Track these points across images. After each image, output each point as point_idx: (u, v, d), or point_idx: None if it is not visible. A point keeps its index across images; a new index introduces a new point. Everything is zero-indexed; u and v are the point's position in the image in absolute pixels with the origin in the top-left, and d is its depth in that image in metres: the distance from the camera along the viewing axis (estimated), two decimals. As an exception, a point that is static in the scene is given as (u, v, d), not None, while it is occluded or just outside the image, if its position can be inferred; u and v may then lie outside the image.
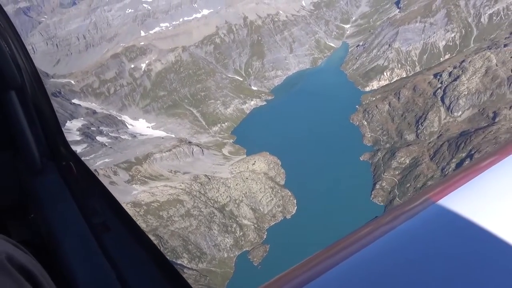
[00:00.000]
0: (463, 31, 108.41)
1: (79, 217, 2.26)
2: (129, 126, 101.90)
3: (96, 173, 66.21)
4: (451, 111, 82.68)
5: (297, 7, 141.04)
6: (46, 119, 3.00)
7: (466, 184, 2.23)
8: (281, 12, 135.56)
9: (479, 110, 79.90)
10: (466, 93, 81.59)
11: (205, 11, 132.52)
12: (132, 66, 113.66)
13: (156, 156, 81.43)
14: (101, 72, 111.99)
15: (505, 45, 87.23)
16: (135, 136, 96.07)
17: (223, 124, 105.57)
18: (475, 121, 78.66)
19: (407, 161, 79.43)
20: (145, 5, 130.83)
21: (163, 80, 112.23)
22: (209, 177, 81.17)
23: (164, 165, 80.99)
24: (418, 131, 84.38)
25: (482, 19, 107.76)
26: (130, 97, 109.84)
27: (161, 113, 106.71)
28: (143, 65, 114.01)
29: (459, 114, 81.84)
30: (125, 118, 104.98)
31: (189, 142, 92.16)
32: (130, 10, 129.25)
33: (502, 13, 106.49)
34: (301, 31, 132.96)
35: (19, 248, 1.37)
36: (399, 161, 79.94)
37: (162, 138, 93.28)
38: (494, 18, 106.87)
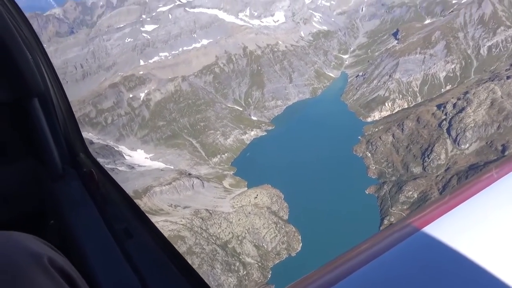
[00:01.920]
0: (463, 63, 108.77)
1: (101, 223, 2.33)
2: (126, 157, 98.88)
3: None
4: (458, 144, 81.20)
5: (296, 38, 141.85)
6: (68, 126, 3.08)
7: (452, 211, 2.19)
8: (280, 42, 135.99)
9: (486, 142, 78.52)
10: (472, 125, 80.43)
11: (205, 41, 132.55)
12: (131, 95, 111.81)
13: (156, 190, 78.33)
14: (98, 101, 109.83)
15: (508, 77, 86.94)
16: (133, 167, 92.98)
17: (223, 155, 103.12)
18: (483, 154, 77.10)
19: (415, 195, 77.06)
20: (144, 34, 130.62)
21: (162, 110, 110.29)
22: (210, 211, 77.94)
23: (164, 199, 77.79)
24: (424, 164, 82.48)
25: (481, 51, 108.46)
26: (128, 127, 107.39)
27: (160, 143, 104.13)
28: (142, 95, 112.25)
29: (466, 147, 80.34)
30: (123, 148, 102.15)
31: (189, 174, 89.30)
32: (129, 40, 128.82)
33: (501, 45, 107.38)
34: (300, 61, 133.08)
35: (56, 252, 1.43)
36: (407, 195, 77.53)
37: (161, 170, 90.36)
38: (493, 50, 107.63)
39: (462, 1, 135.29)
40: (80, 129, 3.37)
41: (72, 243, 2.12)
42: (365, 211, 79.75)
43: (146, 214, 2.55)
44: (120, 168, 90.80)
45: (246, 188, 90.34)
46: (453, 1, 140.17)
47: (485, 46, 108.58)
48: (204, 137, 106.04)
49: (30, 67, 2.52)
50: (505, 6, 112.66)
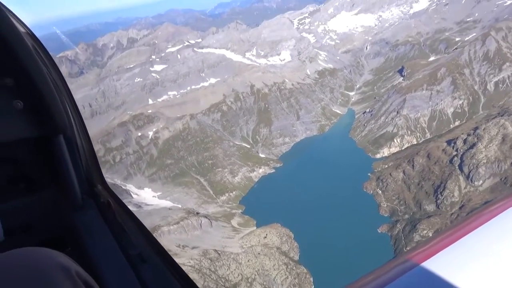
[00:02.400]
0: (471, 98, 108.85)
1: (117, 250, 2.50)
2: (134, 196, 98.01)
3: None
4: (471, 180, 79.58)
5: (302, 76, 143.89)
6: (88, 160, 3.37)
7: (451, 246, 2.22)
8: (286, 80, 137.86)
9: (501, 179, 76.89)
10: (485, 161, 79.12)
11: (212, 80, 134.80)
12: (139, 134, 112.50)
13: (163, 229, 76.74)
14: (107, 140, 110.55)
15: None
16: (140, 206, 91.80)
17: (231, 193, 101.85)
18: (498, 190, 75.25)
19: (430, 234, 74.58)
20: (154, 74, 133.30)
21: (170, 148, 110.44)
22: (219, 252, 75.75)
23: (172, 239, 76.00)
24: (438, 201, 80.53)
25: (488, 87, 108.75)
26: (136, 166, 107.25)
27: (167, 182, 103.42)
28: (150, 133, 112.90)
29: (480, 183, 78.66)
30: (130, 187, 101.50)
31: (197, 213, 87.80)
32: (139, 79, 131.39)
33: (507, 80, 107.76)
34: (307, 98, 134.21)
35: (80, 267, 1.64)
36: (421, 234, 75.10)
37: (169, 208, 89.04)
38: (500, 85, 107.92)
39: (466, 39, 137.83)
40: (99, 162, 3.61)
41: (90, 269, 2.20)
42: (379, 251, 76.95)
43: (159, 241, 2.71)
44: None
45: (255, 227, 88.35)
46: (456, 39, 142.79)
47: (492, 82, 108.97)
48: (212, 175, 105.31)
49: (58, 106, 2.72)
50: (509, 43, 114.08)
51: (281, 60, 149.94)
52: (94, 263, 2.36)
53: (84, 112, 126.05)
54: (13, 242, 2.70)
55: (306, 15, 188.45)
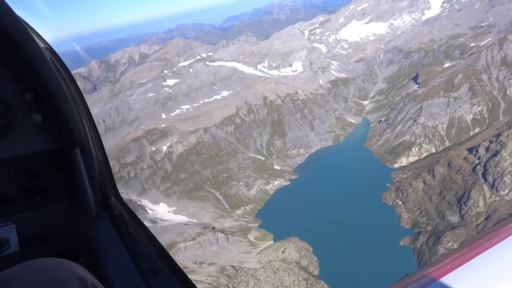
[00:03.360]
0: (490, 104, 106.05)
1: (129, 263, 2.53)
2: (149, 211, 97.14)
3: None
4: (497, 189, 76.68)
5: (315, 86, 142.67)
6: (102, 173, 3.41)
7: (469, 262, 2.16)
8: (299, 91, 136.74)
9: (527, 187, 73.98)
10: (510, 169, 76.29)
11: (225, 93, 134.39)
12: (153, 148, 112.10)
13: (180, 246, 75.42)
14: (122, 155, 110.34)
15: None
16: (155, 222, 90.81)
17: (246, 207, 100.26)
18: (525, 200, 72.36)
19: (455, 246, 71.68)
20: (166, 89, 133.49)
21: (185, 162, 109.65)
22: (237, 268, 74.03)
23: (189, 255, 74.58)
24: (462, 212, 77.67)
25: (508, 92, 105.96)
26: (151, 181, 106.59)
27: (182, 196, 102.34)
28: (164, 148, 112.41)
29: (505, 193, 75.71)
30: (145, 202, 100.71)
31: (213, 228, 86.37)
32: (151, 94, 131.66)
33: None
34: (321, 108, 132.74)
35: (96, 279, 1.71)
36: (446, 246, 72.34)
37: (185, 224, 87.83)
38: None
39: (481, 44, 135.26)
40: (114, 175, 3.60)
41: (103, 281, 2.26)
42: (402, 264, 74.22)
43: (171, 255, 2.73)
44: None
45: (272, 241, 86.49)
46: (471, 44, 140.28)
47: (511, 87, 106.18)
48: (227, 188, 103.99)
49: (75, 120, 2.76)
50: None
51: (293, 71, 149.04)
52: (107, 275, 2.38)
53: (99, 128, 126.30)
54: (27, 253, 2.82)
55: (317, 25, 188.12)
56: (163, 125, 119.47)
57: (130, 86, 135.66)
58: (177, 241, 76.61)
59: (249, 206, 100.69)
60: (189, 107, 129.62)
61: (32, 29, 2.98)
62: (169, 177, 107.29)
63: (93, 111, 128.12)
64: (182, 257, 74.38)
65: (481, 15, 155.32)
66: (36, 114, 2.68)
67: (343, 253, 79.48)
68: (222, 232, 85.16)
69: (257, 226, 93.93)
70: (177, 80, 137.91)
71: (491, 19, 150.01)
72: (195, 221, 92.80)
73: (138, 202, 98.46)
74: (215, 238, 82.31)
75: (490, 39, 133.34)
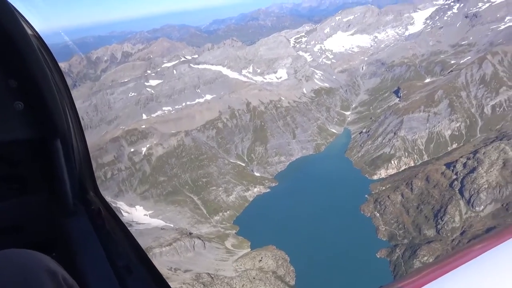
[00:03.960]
0: (468, 121, 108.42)
1: (104, 259, 2.51)
2: (124, 214, 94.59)
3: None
4: (472, 205, 77.99)
5: (298, 94, 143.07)
6: (82, 166, 3.34)
7: (442, 277, 2.19)
8: (283, 98, 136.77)
9: (502, 205, 75.43)
10: (486, 186, 77.75)
11: (208, 96, 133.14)
12: (132, 150, 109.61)
13: (155, 251, 73.53)
14: (99, 155, 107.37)
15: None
16: (131, 225, 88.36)
17: (225, 213, 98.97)
18: (500, 217, 73.72)
19: (431, 260, 72.41)
20: (148, 89, 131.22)
21: (164, 165, 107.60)
22: (212, 276, 72.63)
23: (164, 261, 72.75)
24: (438, 226, 78.63)
25: (485, 110, 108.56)
26: (128, 182, 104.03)
27: (160, 200, 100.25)
28: (144, 149, 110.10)
29: (481, 209, 77.07)
30: (121, 204, 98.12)
31: (190, 234, 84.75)
32: (133, 94, 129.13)
33: (504, 104, 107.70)
34: (303, 117, 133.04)
35: (66, 273, 1.71)
36: (422, 260, 72.90)
37: (161, 228, 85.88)
38: (497, 109, 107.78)
39: (461, 62, 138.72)
40: (94, 170, 3.54)
41: (76, 275, 2.24)
42: (378, 276, 74.40)
43: (146, 253, 2.71)
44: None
45: (249, 249, 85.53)
46: (452, 61, 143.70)
47: (489, 105, 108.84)
48: (205, 193, 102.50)
49: (58, 110, 2.68)
50: (506, 67, 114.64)
51: (278, 78, 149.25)
52: (80, 270, 2.36)
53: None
54: (1, 242, 2.76)
55: (303, 34, 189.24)
56: (144, 126, 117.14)
57: (111, 85, 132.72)
58: (152, 246, 74.72)
59: (228, 212, 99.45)
60: (171, 109, 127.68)
61: (21, 14, 2.79)
62: (147, 179, 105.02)
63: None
64: (157, 263, 72.39)
65: (462, 34, 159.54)
66: (18, 102, 2.57)
67: (320, 264, 79.16)
68: (199, 238, 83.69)
69: (235, 233, 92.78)
70: (160, 81, 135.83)
71: (471, 38, 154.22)
72: (172, 225, 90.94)
73: (113, 204, 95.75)
74: (192, 244, 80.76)
75: (470, 57, 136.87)
